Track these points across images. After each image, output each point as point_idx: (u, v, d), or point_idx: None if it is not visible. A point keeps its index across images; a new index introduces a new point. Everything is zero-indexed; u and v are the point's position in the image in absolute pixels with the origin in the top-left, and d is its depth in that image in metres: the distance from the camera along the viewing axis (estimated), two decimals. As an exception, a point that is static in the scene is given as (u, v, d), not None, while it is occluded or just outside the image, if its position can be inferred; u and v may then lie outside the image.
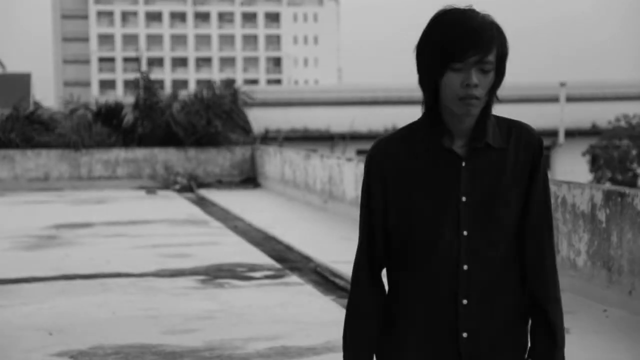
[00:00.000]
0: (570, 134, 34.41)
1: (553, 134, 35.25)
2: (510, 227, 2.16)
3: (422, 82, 2.15)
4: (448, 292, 2.15)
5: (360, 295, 2.24)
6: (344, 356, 2.27)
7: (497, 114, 2.25)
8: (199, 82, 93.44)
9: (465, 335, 2.16)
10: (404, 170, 2.16)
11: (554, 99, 35.59)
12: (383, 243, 2.22)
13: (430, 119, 2.16)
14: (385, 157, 2.18)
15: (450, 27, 2.06)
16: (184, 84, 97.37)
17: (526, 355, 2.26)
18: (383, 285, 2.26)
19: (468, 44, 2.04)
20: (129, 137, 23.30)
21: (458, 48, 2.04)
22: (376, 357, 2.28)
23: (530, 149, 2.18)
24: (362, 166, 13.68)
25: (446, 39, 2.05)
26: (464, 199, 2.14)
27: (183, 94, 26.28)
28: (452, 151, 2.15)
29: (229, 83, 25.75)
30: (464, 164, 2.14)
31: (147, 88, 23.83)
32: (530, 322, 2.25)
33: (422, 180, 2.15)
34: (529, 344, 2.25)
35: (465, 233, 2.14)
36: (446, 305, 2.16)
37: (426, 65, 2.11)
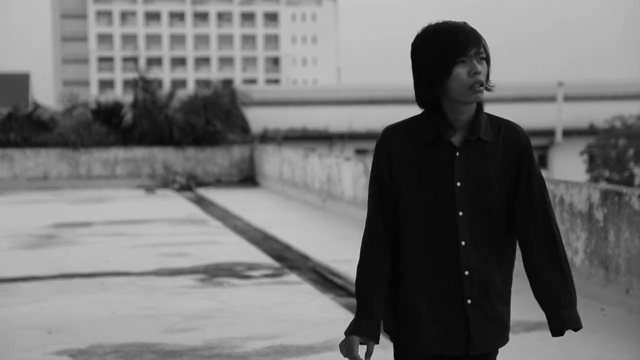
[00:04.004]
0: (568, 133, 34.45)
1: (551, 133, 35.29)
2: (495, 212, 2.53)
3: (423, 85, 2.51)
4: (450, 267, 2.52)
5: (372, 252, 2.56)
6: (357, 303, 2.58)
7: (491, 113, 2.61)
8: (198, 82, 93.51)
9: (467, 285, 2.53)
10: (408, 155, 2.52)
11: (552, 99, 35.64)
12: (392, 211, 2.55)
13: (432, 112, 2.53)
14: (392, 143, 2.54)
15: (448, 32, 2.46)
16: (182, 83, 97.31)
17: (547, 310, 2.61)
18: (390, 248, 2.58)
19: (467, 40, 2.45)
20: (128, 137, 23.31)
21: (461, 45, 2.44)
22: (392, 308, 2.61)
23: (517, 145, 2.54)
24: (360, 166, 13.73)
25: (449, 41, 2.44)
26: (458, 184, 2.50)
27: (182, 93, 26.30)
28: (449, 142, 2.51)
29: (228, 83, 25.78)
30: (458, 153, 2.50)
31: (145, 87, 23.84)
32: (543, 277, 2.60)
33: (423, 166, 2.51)
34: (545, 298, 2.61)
35: (460, 213, 2.50)
36: (450, 275, 2.52)
37: (431, 67, 2.47)
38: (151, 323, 6.68)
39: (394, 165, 2.53)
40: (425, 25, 2.53)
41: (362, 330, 2.55)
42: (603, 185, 7.24)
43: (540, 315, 6.73)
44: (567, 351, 5.68)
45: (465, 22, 2.51)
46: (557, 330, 2.59)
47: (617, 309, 6.73)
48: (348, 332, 2.57)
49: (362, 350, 2.58)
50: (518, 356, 5.56)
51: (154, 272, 9.06)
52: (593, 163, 29.03)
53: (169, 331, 6.41)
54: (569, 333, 6.04)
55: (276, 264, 9.49)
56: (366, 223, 2.60)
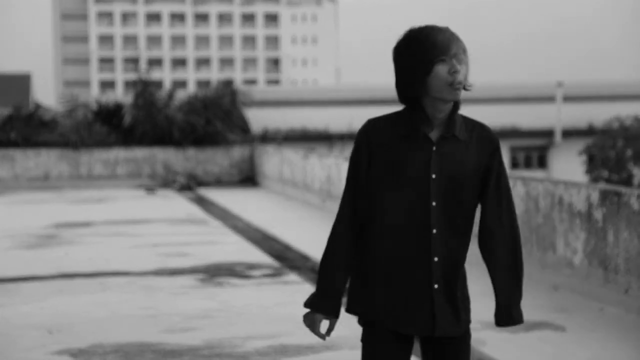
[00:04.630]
0: (568, 133, 34.45)
1: (550, 133, 35.29)
2: (465, 204, 2.72)
3: (405, 82, 2.67)
4: (422, 251, 2.70)
5: (339, 236, 2.74)
6: (319, 279, 2.76)
7: (465, 115, 2.80)
8: (198, 82, 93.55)
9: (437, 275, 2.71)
10: (388, 146, 2.69)
11: (551, 99, 35.63)
12: (364, 197, 2.73)
13: (413, 109, 2.69)
14: (374, 135, 2.71)
15: (431, 32, 2.63)
16: (183, 84, 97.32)
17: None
18: (356, 234, 2.76)
19: (449, 41, 2.62)
20: (128, 137, 23.33)
21: (443, 44, 2.61)
22: (355, 281, 2.77)
23: (488, 145, 2.74)
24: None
25: (432, 40, 2.61)
26: (433, 176, 2.68)
27: (182, 94, 26.32)
28: (427, 137, 2.69)
29: (228, 83, 25.79)
30: (434, 148, 2.69)
31: (145, 88, 23.86)
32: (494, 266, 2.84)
33: (401, 157, 2.69)
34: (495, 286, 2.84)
35: (434, 203, 2.68)
36: (420, 261, 2.70)
37: (413, 66, 2.64)
38: (151, 323, 6.69)
39: (373, 154, 2.70)
40: (408, 28, 2.70)
41: (323, 307, 2.76)
42: (602, 185, 7.26)
43: (539, 315, 6.75)
44: (566, 351, 5.70)
45: (447, 27, 2.67)
46: (503, 323, 2.85)
47: (616, 309, 6.75)
48: (310, 308, 2.77)
49: (324, 325, 2.70)
50: (518, 356, 5.58)
51: (154, 272, 9.08)
52: (592, 163, 29.04)
53: (169, 331, 6.43)
54: (568, 333, 6.06)
55: (276, 264, 9.51)
56: (340, 205, 2.78)
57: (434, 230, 2.69)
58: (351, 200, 2.75)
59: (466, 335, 2.84)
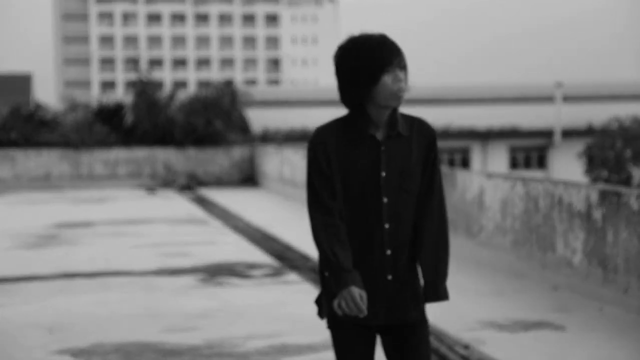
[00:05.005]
0: (567, 134, 34.46)
1: (549, 134, 35.30)
2: (413, 195, 2.93)
3: (351, 90, 2.86)
4: (375, 246, 2.89)
5: (332, 223, 2.87)
6: (337, 262, 2.84)
7: (402, 112, 3.00)
8: (198, 83, 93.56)
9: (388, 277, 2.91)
10: (340, 150, 2.88)
11: (551, 99, 35.63)
12: (336, 196, 2.89)
13: (358, 114, 2.89)
14: (326, 140, 2.89)
15: (375, 45, 2.82)
16: (183, 84, 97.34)
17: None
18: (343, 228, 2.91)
19: (391, 53, 2.83)
20: (129, 137, 23.36)
21: (387, 57, 2.81)
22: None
23: (427, 137, 2.95)
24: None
25: (377, 53, 2.81)
26: (383, 174, 2.88)
27: (183, 94, 26.35)
28: (375, 138, 2.89)
29: (229, 83, 25.81)
30: (382, 147, 2.88)
31: (146, 88, 23.89)
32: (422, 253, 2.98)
33: (353, 159, 2.87)
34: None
35: (385, 200, 2.88)
36: (375, 254, 2.89)
37: (358, 76, 2.82)
38: (152, 322, 6.71)
39: (329, 159, 2.88)
40: (348, 37, 2.89)
41: (356, 280, 2.85)
42: (601, 185, 7.28)
43: (539, 315, 6.77)
44: (565, 350, 5.71)
45: (385, 35, 2.87)
46: (430, 299, 2.98)
47: (615, 309, 6.77)
48: (345, 285, 2.82)
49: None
50: (516, 355, 5.60)
51: (154, 272, 9.10)
52: (592, 164, 29.05)
53: (169, 330, 6.45)
54: (568, 332, 6.08)
55: (276, 264, 9.53)
56: (313, 207, 2.91)
57: (386, 225, 2.88)
58: (329, 200, 2.88)
59: (423, 321, 2.98)
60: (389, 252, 2.90)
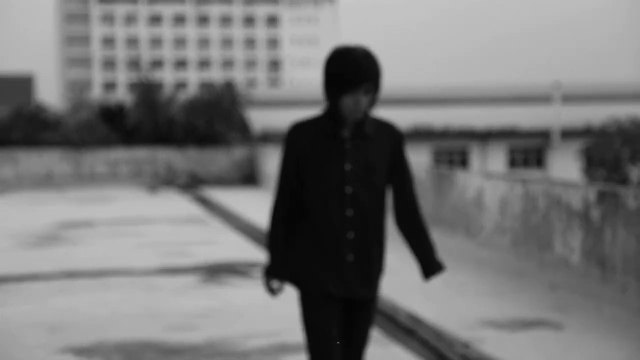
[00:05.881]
0: (566, 134, 34.47)
1: (548, 134, 35.31)
2: (378, 187, 3.32)
3: (326, 94, 3.27)
4: (338, 229, 3.29)
5: (279, 219, 3.36)
6: (270, 252, 3.38)
7: (373, 115, 3.38)
8: (199, 83, 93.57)
9: (350, 258, 3.32)
10: (312, 145, 3.29)
11: (550, 99, 35.65)
12: (296, 186, 3.33)
13: (330, 113, 3.29)
14: (299, 136, 3.31)
15: (343, 67, 3.20)
16: (184, 85, 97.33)
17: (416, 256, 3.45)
18: (289, 216, 3.38)
19: (358, 77, 3.19)
20: (130, 137, 23.39)
21: (352, 81, 3.19)
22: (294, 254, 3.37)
23: (392, 138, 3.35)
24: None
25: (344, 75, 3.19)
26: (348, 167, 3.28)
27: (184, 94, 26.39)
28: (342, 136, 3.30)
29: (229, 84, 25.85)
30: (348, 145, 3.29)
31: (147, 89, 23.92)
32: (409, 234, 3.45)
33: (322, 153, 3.29)
34: (413, 247, 3.45)
35: (348, 191, 3.29)
36: (339, 237, 3.30)
37: (329, 89, 3.24)
38: (153, 321, 6.75)
39: (301, 152, 3.30)
40: (336, 47, 3.27)
41: (280, 273, 3.39)
42: (600, 185, 7.32)
43: (537, 314, 6.81)
44: (564, 349, 5.75)
45: (365, 53, 3.23)
46: (429, 274, 3.43)
47: (613, 308, 6.80)
48: (264, 274, 3.40)
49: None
50: (515, 354, 5.63)
51: (155, 271, 9.14)
52: (590, 164, 29.07)
53: (170, 329, 6.48)
54: (566, 331, 6.11)
55: (277, 264, 9.55)
56: (277, 192, 3.38)
57: (349, 212, 3.29)
58: (285, 189, 3.35)
59: (374, 299, 3.43)
60: (350, 236, 3.30)
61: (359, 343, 3.44)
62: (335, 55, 3.23)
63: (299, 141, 3.31)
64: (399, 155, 3.37)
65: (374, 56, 3.26)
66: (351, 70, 3.18)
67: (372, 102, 3.28)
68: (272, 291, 3.42)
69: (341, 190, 3.28)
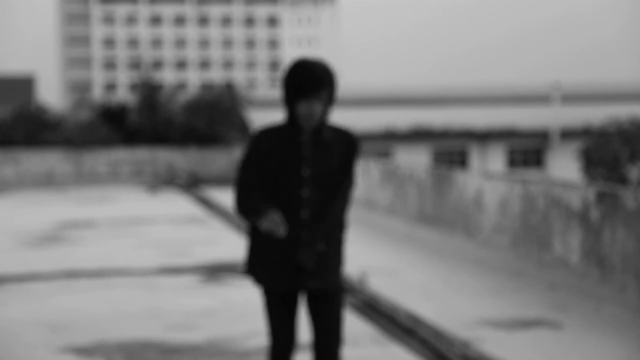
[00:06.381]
0: (565, 134, 34.49)
1: (547, 134, 35.32)
2: (332, 192, 3.58)
3: (284, 104, 3.53)
4: (294, 229, 3.53)
5: (247, 193, 3.57)
6: (251, 209, 3.54)
7: (331, 122, 3.63)
8: (200, 84, 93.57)
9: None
10: (273, 149, 3.54)
11: (549, 100, 35.66)
12: (255, 188, 3.57)
13: (290, 121, 3.55)
14: (263, 140, 3.56)
15: (299, 75, 3.45)
16: (185, 85, 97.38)
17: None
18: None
19: (309, 86, 3.44)
20: (131, 137, 23.42)
21: (304, 90, 3.45)
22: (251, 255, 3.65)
23: (347, 145, 3.59)
24: (359, 165, 13.85)
25: (297, 84, 3.46)
26: (305, 172, 3.53)
27: (184, 95, 26.43)
28: (300, 142, 3.55)
29: (229, 85, 25.89)
30: (305, 150, 3.54)
31: (148, 89, 23.96)
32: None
33: (282, 158, 3.53)
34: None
35: (305, 194, 3.54)
36: (295, 239, 3.53)
37: (286, 97, 3.51)
38: (154, 321, 6.78)
39: (264, 156, 3.54)
40: (294, 60, 3.54)
41: (272, 208, 3.54)
42: (599, 185, 7.35)
43: (537, 314, 6.83)
44: (563, 348, 5.77)
45: (321, 66, 3.47)
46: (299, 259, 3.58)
47: (613, 308, 6.82)
48: (265, 213, 3.51)
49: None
50: (515, 354, 5.66)
51: (156, 271, 9.17)
52: (589, 164, 29.09)
53: (171, 329, 6.51)
54: (565, 331, 6.11)
55: (277, 264, 9.57)
56: (237, 186, 3.58)
57: (305, 213, 3.54)
58: (245, 184, 3.57)
59: (339, 292, 3.64)
60: (306, 235, 3.54)
61: (329, 335, 3.63)
62: (292, 66, 3.49)
63: (262, 146, 3.55)
64: (349, 161, 3.61)
65: (329, 68, 3.51)
66: (306, 78, 3.43)
67: (327, 110, 3.52)
68: (276, 222, 3.50)
69: (298, 194, 3.53)
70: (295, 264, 3.56)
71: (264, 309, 3.70)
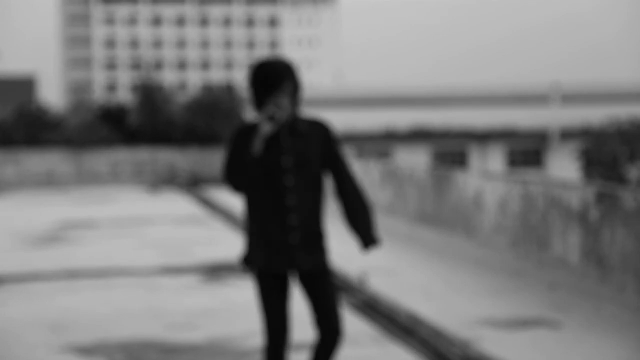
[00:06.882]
0: (565, 134, 34.50)
1: (547, 134, 35.32)
2: (313, 176, 3.80)
3: (253, 101, 3.79)
4: (281, 215, 3.77)
5: (231, 174, 3.76)
6: (237, 174, 3.76)
7: (304, 114, 3.89)
8: (200, 84, 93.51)
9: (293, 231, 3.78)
10: (252, 144, 3.72)
11: (548, 100, 35.66)
12: (241, 173, 3.75)
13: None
14: (243, 135, 3.79)
15: (265, 74, 3.72)
16: (185, 86, 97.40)
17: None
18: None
19: (275, 82, 3.71)
20: (131, 137, 23.44)
21: (270, 86, 3.71)
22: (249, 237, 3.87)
23: (322, 133, 3.84)
24: (359, 165, 13.87)
25: (264, 82, 3.72)
26: (284, 163, 3.76)
27: (185, 95, 26.45)
28: (279, 134, 3.78)
29: (230, 87, 25.91)
30: (285, 141, 3.78)
31: (148, 89, 23.98)
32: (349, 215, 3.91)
33: (263, 151, 3.74)
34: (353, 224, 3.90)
35: (286, 183, 3.75)
36: (281, 225, 3.77)
37: (256, 94, 3.76)
38: (155, 320, 6.80)
39: (246, 149, 3.74)
40: (256, 61, 3.78)
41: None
42: (598, 185, 7.36)
43: (536, 313, 6.85)
44: (562, 348, 5.79)
45: (283, 62, 3.72)
46: (368, 245, 3.87)
47: (612, 307, 6.83)
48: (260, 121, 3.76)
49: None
50: (515, 353, 5.67)
51: (156, 271, 9.18)
52: (589, 164, 29.07)
53: (172, 328, 6.53)
54: (565, 331, 6.14)
55: (277, 263, 9.59)
56: (225, 170, 3.77)
57: (288, 202, 3.76)
58: (232, 169, 3.75)
59: (326, 272, 3.85)
60: (292, 224, 3.76)
61: (328, 310, 3.82)
62: (254, 67, 3.75)
63: (243, 141, 3.77)
64: (330, 146, 3.85)
65: (288, 63, 3.76)
66: (270, 73, 3.69)
67: (295, 102, 3.76)
68: (274, 109, 3.73)
69: (280, 183, 3.75)
70: (286, 245, 3.76)
71: (258, 298, 3.86)
